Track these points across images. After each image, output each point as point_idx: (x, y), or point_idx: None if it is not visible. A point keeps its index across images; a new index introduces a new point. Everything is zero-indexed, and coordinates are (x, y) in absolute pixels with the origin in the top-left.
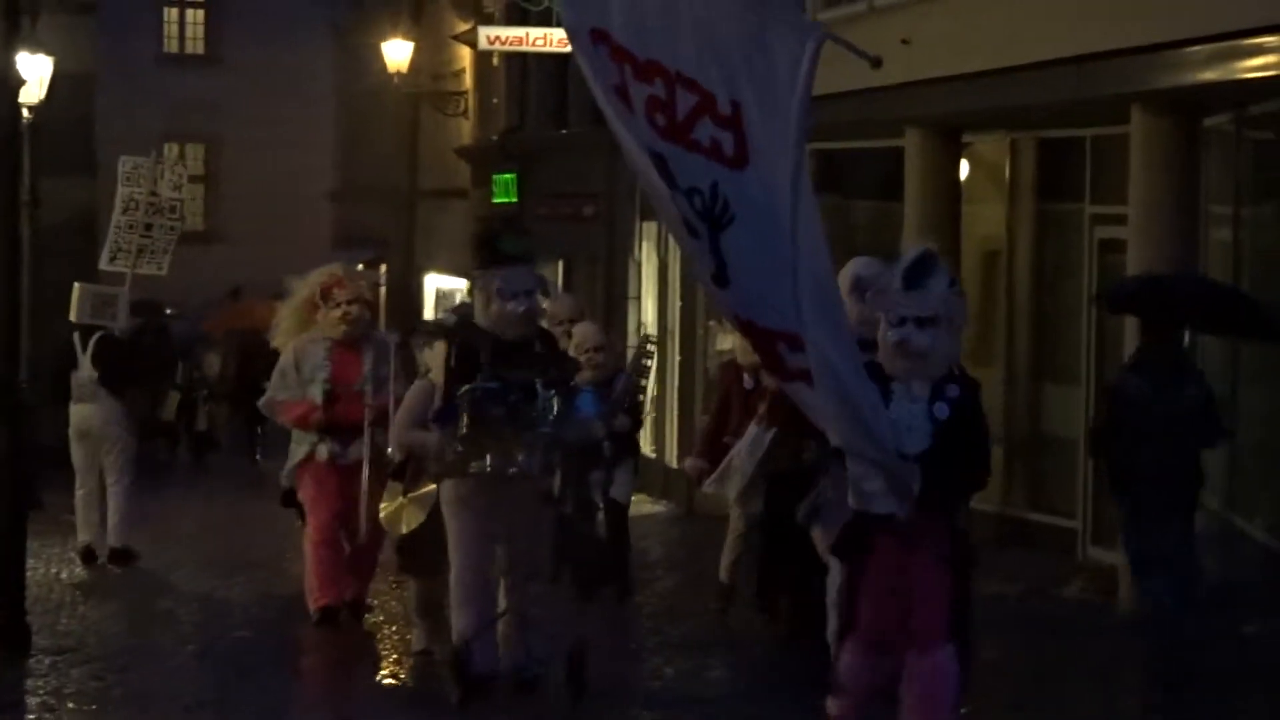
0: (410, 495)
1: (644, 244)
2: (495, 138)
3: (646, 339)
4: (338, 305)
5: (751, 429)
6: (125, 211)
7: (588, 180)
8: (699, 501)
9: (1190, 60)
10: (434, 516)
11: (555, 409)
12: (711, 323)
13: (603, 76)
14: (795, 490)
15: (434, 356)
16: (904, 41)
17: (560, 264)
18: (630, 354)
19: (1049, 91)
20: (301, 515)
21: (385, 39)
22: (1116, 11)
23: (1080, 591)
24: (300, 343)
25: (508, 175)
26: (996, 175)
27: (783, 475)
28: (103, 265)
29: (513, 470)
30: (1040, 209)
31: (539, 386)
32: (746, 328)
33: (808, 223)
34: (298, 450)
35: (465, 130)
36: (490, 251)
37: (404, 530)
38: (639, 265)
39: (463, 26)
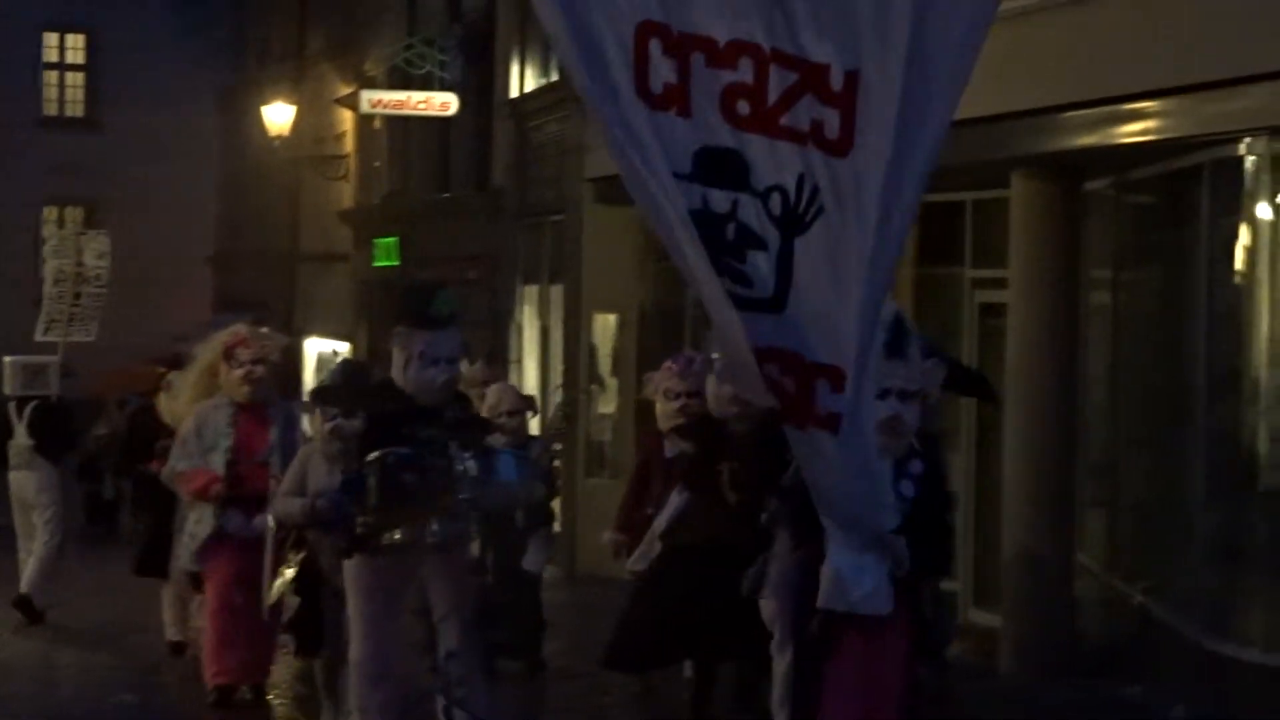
0: (288, 564)
1: (526, 307)
2: (377, 201)
3: (563, 402)
4: (240, 365)
5: (673, 498)
6: (56, 283)
7: (469, 244)
8: (581, 564)
9: (1070, 125)
10: (313, 588)
11: (473, 473)
12: (594, 386)
13: (643, 84)
14: (696, 563)
15: (315, 422)
16: None
17: None
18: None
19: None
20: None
21: (267, 103)
22: (997, 76)
23: (960, 654)
24: (203, 407)
25: (389, 239)
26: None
27: (688, 547)
28: (38, 337)
29: (430, 541)
30: (920, 273)
31: (454, 449)
32: (788, 364)
33: (890, 243)
34: (199, 529)
35: (347, 194)
36: (419, 313)
37: (271, 601)
38: (520, 329)
39: (345, 90)
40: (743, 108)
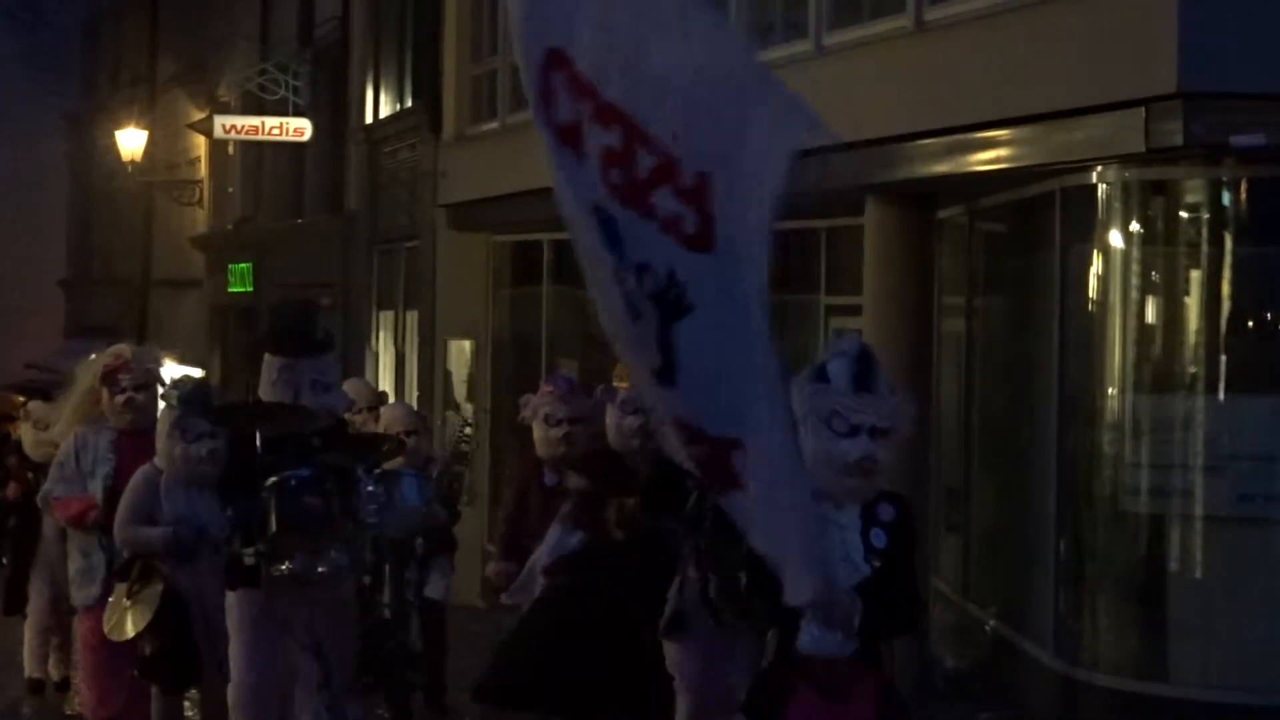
0: (134, 595)
1: (381, 334)
2: (230, 226)
3: (464, 422)
4: (122, 391)
5: (554, 530)
6: None
7: (324, 269)
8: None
9: (923, 153)
10: (176, 621)
11: (379, 497)
12: (449, 413)
13: (550, 111)
14: (584, 605)
15: (169, 444)
16: None
17: None
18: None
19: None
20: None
21: (120, 127)
22: (852, 104)
23: None
24: (82, 430)
25: (243, 264)
26: None
27: (576, 587)
28: None
29: (321, 570)
30: (777, 300)
31: (360, 472)
32: (693, 436)
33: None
34: (94, 560)
35: (200, 219)
36: (301, 340)
37: (129, 634)
38: (376, 355)
39: (198, 115)
40: (616, 176)
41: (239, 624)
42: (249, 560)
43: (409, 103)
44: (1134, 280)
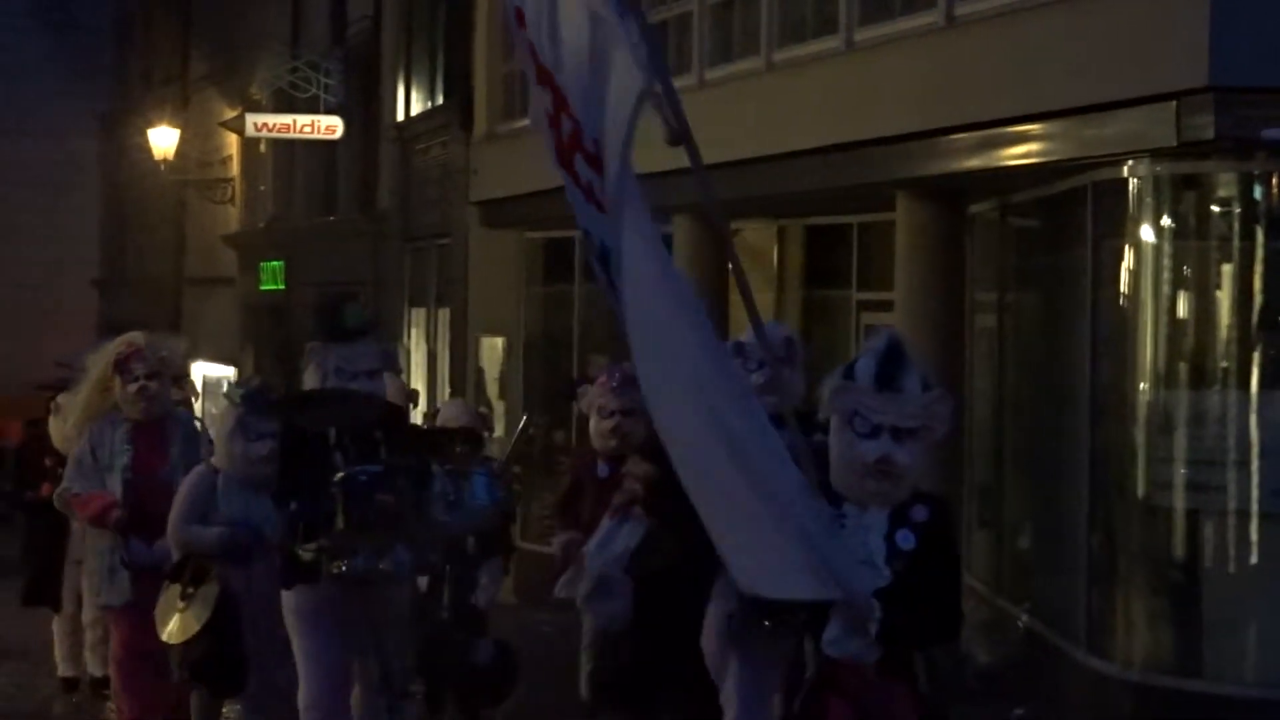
0: (188, 598)
1: (413, 330)
2: (262, 225)
3: (528, 420)
4: (134, 380)
5: (604, 523)
6: None
7: (355, 267)
8: None
9: (955, 148)
10: (229, 624)
11: (449, 495)
12: (482, 409)
13: (526, 64)
14: (672, 593)
15: (227, 442)
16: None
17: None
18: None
19: (815, 179)
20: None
21: (151, 126)
22: (883, 99)
23: None
24: (96, 425)
25: (275, 262)
26: (764, 262)
27: (655, 576)
28: None
29: (382, 568)
30: (808, 295)
31: (434, 469)
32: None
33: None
34: (113, 560)
35: (232, 217)
36: (331, 326)
37: (183, 637)
38: (408, 352)
39: (229, 113)
40: (553, 138)
41: (299, 624)
42: (307, 557)
43: (440, 100)
44: (1165, 275)
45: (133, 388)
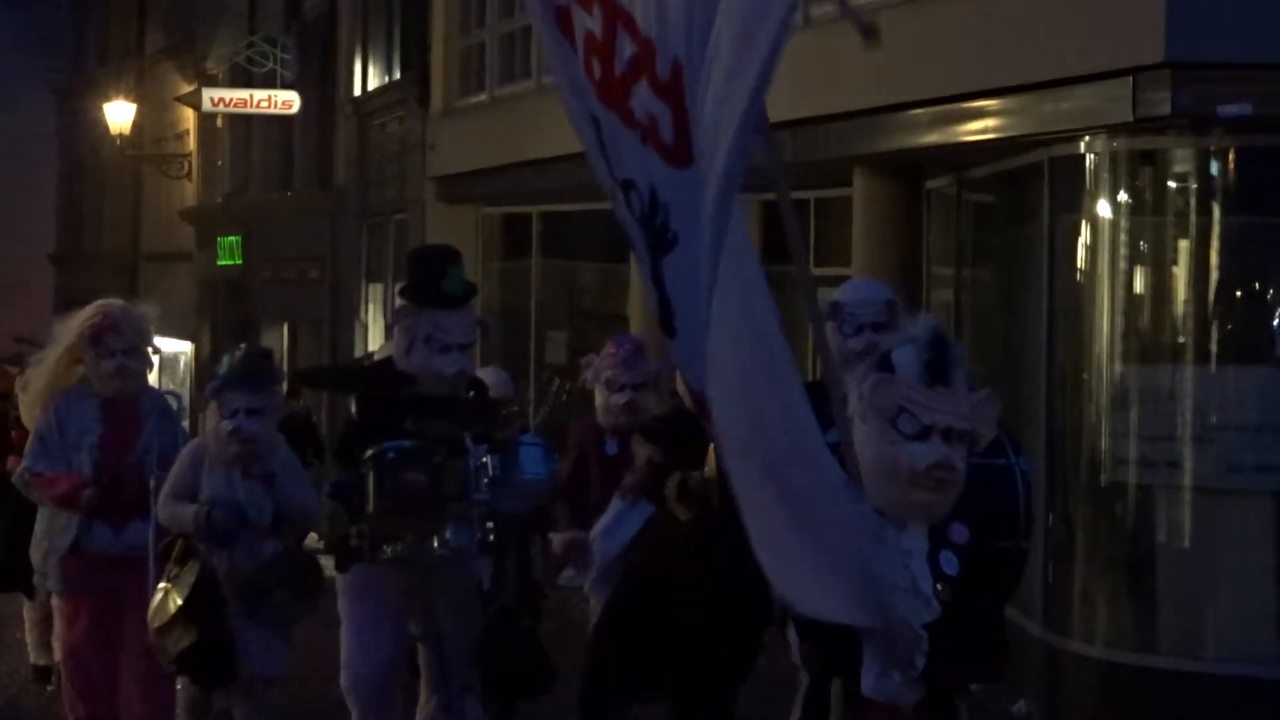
0: (173, 579)
1: (370, 306)
2: (219, 200)
3: (560, 385)
4: (111, 355)
5: (614, 503)
6: None
7: (313, 243)
8: None
9: (912, 123)
10: (212, 610)
11: (493, 470)
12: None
13: None
14: (671, 581)
15: (209, 418)
16: None
17: (285, 327)
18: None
19: (766, 154)
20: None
21: (107, 101)
22: (840, 75)
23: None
24: (63, 399)
25: (232, 237)
26: None
27: (657, 568)
28: None
29: (440, 552)
30: (765, 271)
31: (469, 442)
32: (697, 400)
33: (735, 258)
34: (60, 540)
35: (189, 192)
36: (429, 288)
37: (156, 624)
38: (365, 328)
39: (186, 88)
40: (597, 69)
41: (348, 609)
42: (354, 542)
43: (397, 75)
44: (1122, 250)
45: (109, 364)
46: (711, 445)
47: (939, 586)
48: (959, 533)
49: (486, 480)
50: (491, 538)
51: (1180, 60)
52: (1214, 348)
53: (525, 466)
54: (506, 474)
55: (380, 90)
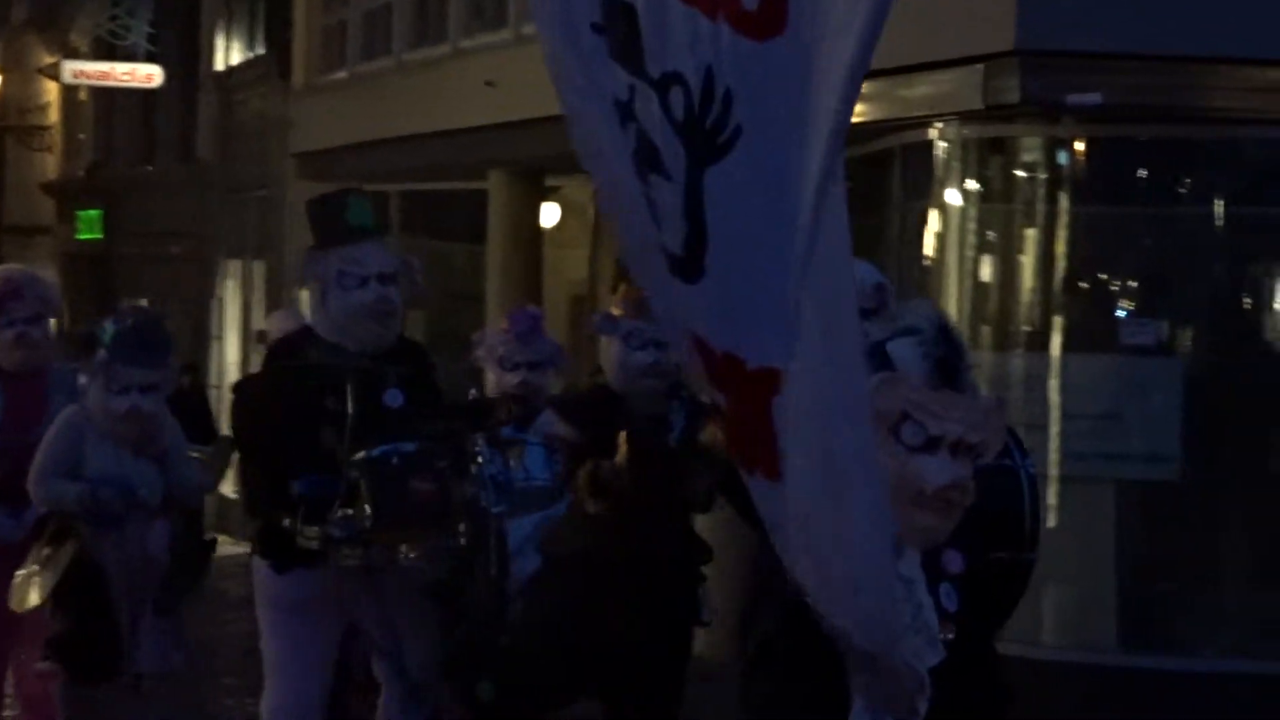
0: (44, 561)
1: (229, 283)
2: (81, 173)
3: None
4: (11, 325)
5: None
6: None
7: (175, 218)
8: None
9: None
10: (93, 597)
11: (500, 476)
12: None
13: None
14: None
15: (96, 391)
16: (488, 84)
17: (145, 303)
18: None
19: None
20: None
21: None
22: None
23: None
24: None
25: (93, 212)
26: (582, 219)
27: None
28: None
29: (410, 560)
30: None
31: (480, 444)
32: (719, 366)
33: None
34: None
35: (50, 165)
36: (330, 225)
37: (31, 603)
38: (222, 304)
39: (48, 59)
40: None
41: (275, 615)
42: (311, 544)
43: (260, 51)
44: (971, 238)
45: (9, 334)
46: (622, 433)
47: (943, 624)
48: (954, 561)
49: (493, 487)
50: (463, 540)
51: (1030, 49)
52: (1060, 336)
53: (532, 470)
54: (511, 479)
55: (243, 65)
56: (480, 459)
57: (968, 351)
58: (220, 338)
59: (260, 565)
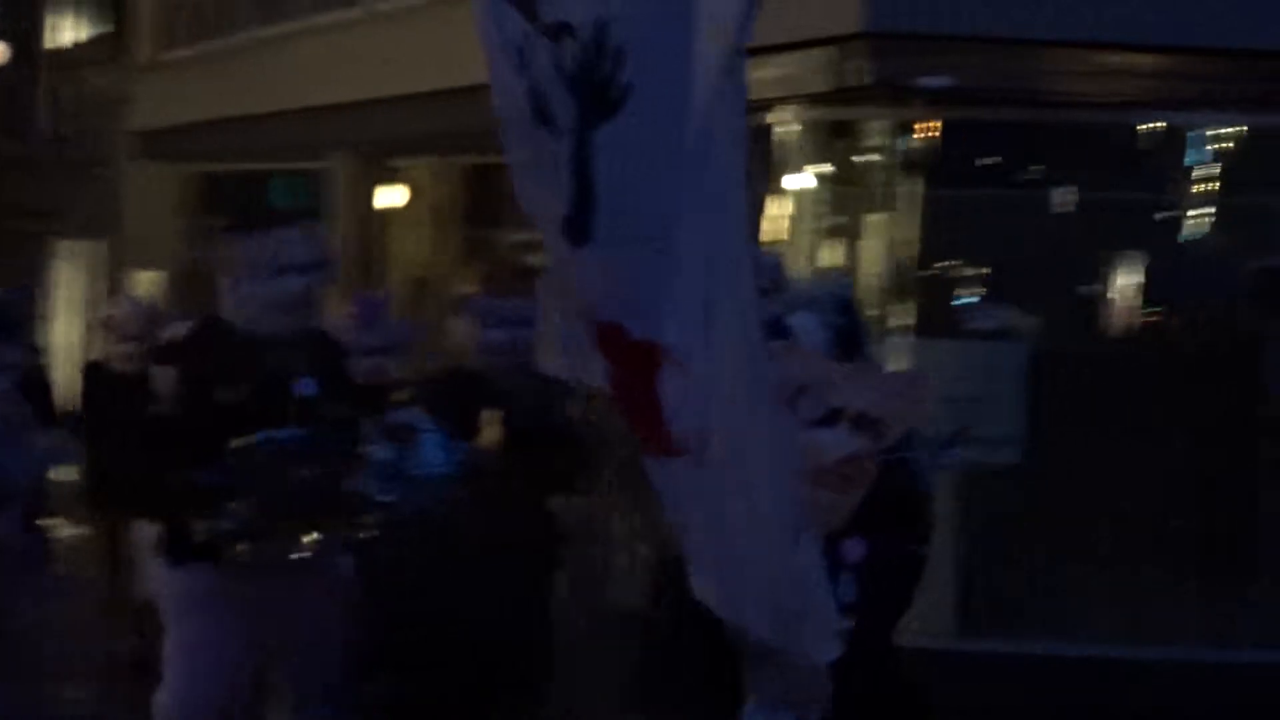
0: None
1: (64, 264)
2: None
3: None
4: None
5: None
6: None
7: (10, 195)
8: None
9: None
10: None
11: (390, 467)
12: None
13: None
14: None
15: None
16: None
17: None
18: None
19: (478, 116)
20: None
21: None
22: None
23: None
24: None
25: None
26: (423, 200)
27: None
28: None
29: (294, 556)
30: (467, 235)
31: (373, 431)
32: (608, 337)
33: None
34: None
35: None
36: (246, 210)
37: None
38: (58, 285)
39: None
40: None
41: (177, 614)
42: (200, 538)
43: (100, 26)
44: (818, 221)
45: None
46: (484, 414)
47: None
48: (853, 550)
49: (384, 477)
50: (361, 534)
51: (880, 30)
52: (907, 320)
53: (428, 457)
54: (404, 467)
55: (83, 42)
56: (370, 446)
57: (866, 323)
58: (55, 319)
59: (156, 560)
